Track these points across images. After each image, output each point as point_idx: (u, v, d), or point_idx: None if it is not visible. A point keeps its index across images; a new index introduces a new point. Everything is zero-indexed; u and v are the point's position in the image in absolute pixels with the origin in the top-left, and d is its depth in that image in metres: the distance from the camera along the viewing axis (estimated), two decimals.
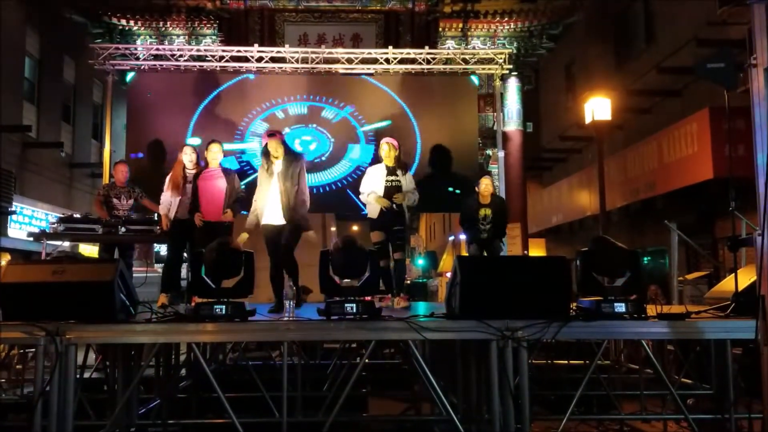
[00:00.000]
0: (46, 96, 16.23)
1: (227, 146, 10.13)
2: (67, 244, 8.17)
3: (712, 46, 10.71)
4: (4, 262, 5.86)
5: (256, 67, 12.73)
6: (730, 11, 10.91)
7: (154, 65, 12.73)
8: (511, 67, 13.31)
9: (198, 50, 12.96)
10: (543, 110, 20.56)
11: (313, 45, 13.99)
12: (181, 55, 12.68)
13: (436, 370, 5.20)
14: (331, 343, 7.61)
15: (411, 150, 12.83)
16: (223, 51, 12.71)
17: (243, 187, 7.01)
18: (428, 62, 12.83)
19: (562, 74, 19.92)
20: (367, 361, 5.07)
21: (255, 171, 10.24)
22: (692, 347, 5.53)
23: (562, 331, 4.01)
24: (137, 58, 12.70)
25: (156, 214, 7.40)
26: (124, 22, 13.73)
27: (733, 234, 4.48)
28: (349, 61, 12.79)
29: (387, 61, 12.74)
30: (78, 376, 4.40)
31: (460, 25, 14.35)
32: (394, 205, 6.62)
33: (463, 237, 17.60)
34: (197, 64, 12.82)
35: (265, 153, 6.10)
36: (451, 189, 12.50)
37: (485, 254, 7.81)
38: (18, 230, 14.03)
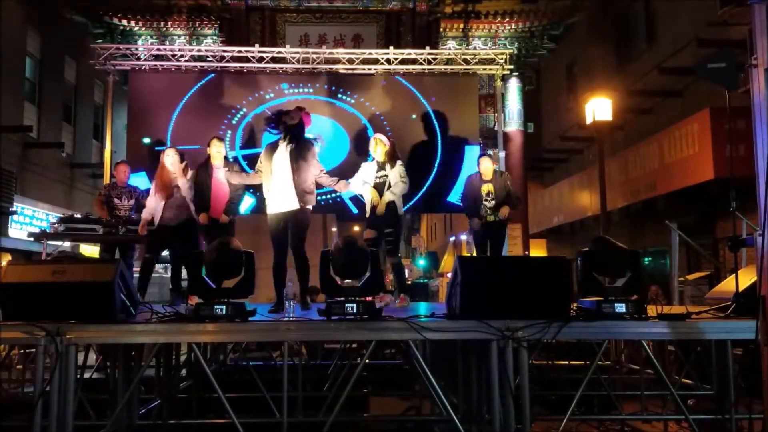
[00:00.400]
0: (46, 96, 16.24)
1: None
2: (67, 244, 8.17)
3: (713, 46, 10.69)
4: (4, 263, 5.87)
5: (257, 68, 12.74)
6: (731, 12, 10.96)
7: (155, 65, 12.74)
8: (512, 67, 13.31)
9: (199, 50, 12.97)
10: (544, 111, 20.55)
11: (314, 45, 14.00)
12: (182, 56, 12.68)
13: (437, 370, 5.20)
14: (331, 343, 7.61)
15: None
16: (224, 51, 12.71)
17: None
18: (429, 63, 12.83)
19: (563, 75, 19.91)
20: (367, 361, 5.08)
21: None
22: (693, 348, 5.53)
23: (562, 332, 4.01)
24: (138, 59, 12.70)
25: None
26: (125, 22, 13.75)
27: (734, 234, 4.48)
28: (350, 61, 12.79)
29: (388, 61, 12.74)
30: (78, 376, 4.40)
31: (461, 26, 14.36)
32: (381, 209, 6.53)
33: (464, 237, 17.63)
34: (198, 64, 12.83)
35: (279, 124, 5.89)
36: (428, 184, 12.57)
37: (488, 240, 7.63)
38: (19, 230, 14.03)
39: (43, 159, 15.75)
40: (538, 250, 17.26)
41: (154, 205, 6.92)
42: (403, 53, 12.80)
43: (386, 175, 6.63)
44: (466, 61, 12.86)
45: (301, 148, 5.84)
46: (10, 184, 13.44)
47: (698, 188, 11.15)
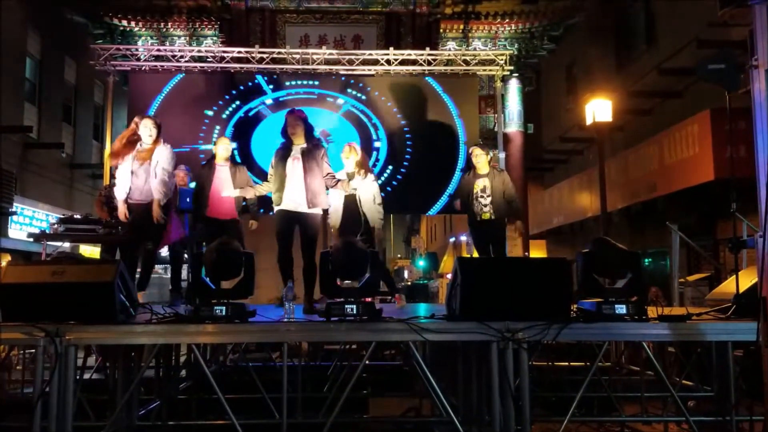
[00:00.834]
0: (47, 97, 16.23)
1: None
2: (67, 244, 8.16)
3: (713, 47, 10.67)
4: (4, 263, 5.87)
5: (257, 68, 12.75)
6: (731, 12, 10.95)
7: (155, 66, 12.74)
8: (512, 68, 13.34)
9: (199, 51, 12.98)
10: (544, 111, 20.53)
11: (314, 46, 14.00)
12: (182, 56, 12.70)
13: (437, 371, 5.20)
14: (331, 344, 7.60)
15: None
16: (224, 52, 12.73)
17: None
18: (429, 63, 12.84)
19: (563, 75, 19.90)
20: (367, 362, 5.07)
21: None
22: (693, 349, 5.52)
23: (562, 333, 4.01)
24: (138, 59, 12.72)
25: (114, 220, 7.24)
26: (125, 23, 13.75)
27: (734, 236, 4.47)
28: (350, 62, 12.80)
29: (388, 62, 12.75)
30: (78, 377, 4.39)
31: (461, 27, 14.37)
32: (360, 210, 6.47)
33: (464, 238, 17.61)
34: (198, 65, 12.84)
35: (285, 131, 5.80)
36: (450, 191, 12.60)
37: (487, 241, 7.10)
38: (18, 231, 14.02)
39: (43, 159, 15.74)
40: (538, 251, 17.25)
41: (127, 178, 6.13)
42: (403, 54, 12.82)
43: (355, 188, 6.51)
44: (466, 62, 12.88)
45: (312, 151, 5.77)
46: (10, 184, 13.43)
47: (699, 189, 11.14)
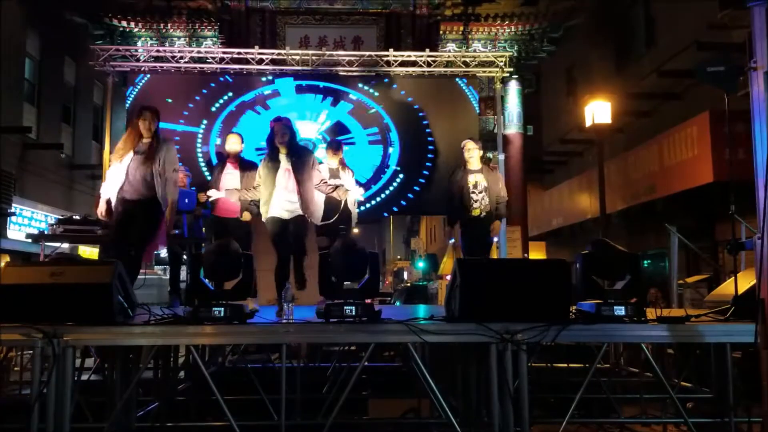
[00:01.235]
0: (46, 97, 16.22)
1: None
2: (66, 245, 8.15)
3: (713, 49, 10.68)
4: (2, 264, 5.86)
5: (257, 69, 12.75)
6: (730, 14, 10.95)
7: (155, 67, 12.75)
8: (511, 70, 13.34)
9: (198, 52, 12.98)
10: (544, 113, 20.54)
11: (314, 47, 14.01)
12: (181, 57, 12.70)
13: (436, 372, 5.19)
14: (330, 345, 7.60)
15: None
16: (224, 53, 12.73)
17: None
18: (429, 65, 12.85)
19: (562, 77, 19.91)
20: (366, 363, 5.06)
21: None
22: (692, 351, 5.52)
23: (561, 334, 4.01)
24: (138, 60, 12.72)
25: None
26: (124, 23, 13.75)
27: (733, 237, 4.47)
28: (350, 63, 12.80)
29: (388, 63, 12.76)
30: (76, 378, 4.39)
31: (461, 28, 14.37)
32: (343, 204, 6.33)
33: None
34: (198, 65, 12.85)
35: (271, 140, 5.80)
36: None
37: (475, 240, 6.73)
38: (17, 232, 14.02)
39: (42, 160, 15.73)
40: (537, 252, 17.22)
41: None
42: (402, 55, 12.82)
43: (340, 183, 6.44)
44: (466, 64, 12.89)
45: (301, 161, 5.77)
46: (8, 185, 13.42)
47: (698, 191, 11.14)
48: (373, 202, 13.23)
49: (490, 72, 13.03)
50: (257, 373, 6.00)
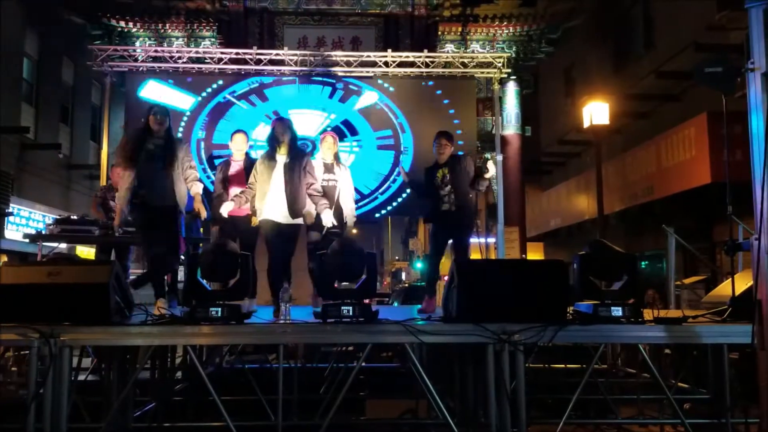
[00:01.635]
0: (44, 97, 16.20)
1: None
2: (63, 245, 8.15)
3: (711, 50, 10.70)
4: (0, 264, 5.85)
5: (255, 70, 12.75)
6: (728, 16, 10.95)
7: (153, 67, 12.74)
8: (509, 71, 13.35)
9: (197, 52, 12.97)
10: (542, 114, 20.57)
11: (312, 48, 14.00)
12: (179, 57, 12.70)
13: (434, 373, 5.20)
14: (328, 346, 7.59)
15: None
16: (222, 53, 12.73)
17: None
18: (427, 66, 12.85)
19: (561, 78, 19.93)
20: (364, 364, 5.07)
21: None
22: (689, 352, 5.52)
23: (558, 335, 4.01)
24: (136, 60, 12.71)
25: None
26: (123, 23, 13.74)
27: (730, 238, 4.47)
28: (348, 64, 12.81)
29: (386, 64, 12.76)
30: (72, 378, 4.38)
31: (460, 29, 14.38)
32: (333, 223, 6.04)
33: None
34: (196, 66, 12.84)
35: (272, 139, 5.76)
36: None
37: (449, 240, 6.23)
38: (15, 232, 13.99)
39: (40, 160, 15.71)
40: (535, 253, 17.25)
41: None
42: (401, 56, 12.83)
43: (335, 179, 6.35)
44: (464, 65, 12.90)
45: (296, 162, 5.76)
46: (6, 185, 13.40)
47: (695, 192, 11.17)
48: (370, 206, 12.98)
49: (488, 73, 13.04)
50: (254, 373, 6.00)
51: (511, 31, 14.31)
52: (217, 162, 9.77)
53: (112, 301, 4.03)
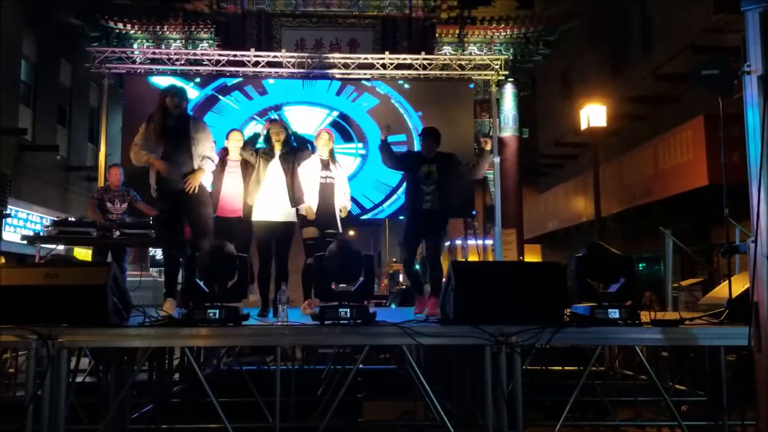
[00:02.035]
0: (42, 99, 16.19)
1: None
2: (61, 247, 8.13)
3: (708, 53, 10.74)
4: None
5: (252, 72, 12.74)
6: (725, 18, 10.98)
7: (151, 69, 12.73)
8: (507, 73, 13.35)
9: (194, 54, 12.97)
10: (539, 116, 20.61)
11: (310, 50, 14.00)
12: (177, 59, 12.69)
13: (431, 375, 5.20)
14: (325, 347, 7.59)
15: None
16: (220, 55, 12.72)
17: None
18: (425, 68, 12.86)
19: (558, 80, 19.97)
20: (361, 366, 5.07)
21: None
22: (686, 354, 5.53)
23: (555, 337, 4.02)
24: (133, 62, 12.70)
25: (150, 218, 7.20)
26: (120, 25, 13.73)
27: (727, 241, 4.48)
28: (346, 66, 12.81)
29: (383, 66, 12.76)
30: (70, 380, 4.38)
31: (457, 31, 14.39)
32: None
33: (458, 242, 17.61)
34: (193, 68, 12.84)
35: (267, 139, 5.91)
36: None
37: (422, 240, 6.09)
38: (12, 233, 13.97)
39: (37, 162, 15.69)
40: (532, 255, 17.28)
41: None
42: (398, 58, 12.83)
43: (332, 177, 6.29)
44: (462, 67, 12.90)
45: (293, 157, 5.89)
46: (4, 186, 13.37)
47: (693, 194, 11.19)
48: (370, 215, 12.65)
49: (485, 75, 13.04)
50: (252, 375, 6.00)
51: (508, 33, 14.32)
52: None
53: (110, 303, 4.03)
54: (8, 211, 13.77)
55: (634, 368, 6.06)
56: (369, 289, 4.55)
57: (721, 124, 4.59)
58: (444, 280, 4.92)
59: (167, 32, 13.97)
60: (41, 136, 15.98)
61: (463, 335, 4.05)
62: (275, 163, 5.90)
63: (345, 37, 14.58)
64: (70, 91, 18.01)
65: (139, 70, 12.71)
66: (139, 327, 4.12)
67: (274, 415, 4.23)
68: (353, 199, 7.39)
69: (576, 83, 18.65)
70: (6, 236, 13.82)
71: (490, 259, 13.08)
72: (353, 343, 5.06)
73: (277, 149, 5.89)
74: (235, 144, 6.45)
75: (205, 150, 5.44)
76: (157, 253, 12.94)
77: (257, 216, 5.93)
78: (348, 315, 4.20)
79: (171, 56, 12.73)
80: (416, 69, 12.82)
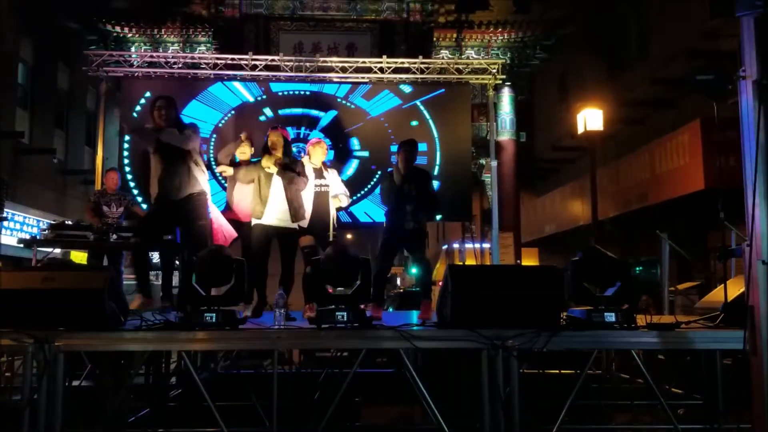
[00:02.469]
0: (39, 103, 16.17)
1: None
2: (58, 250, 8.11)
3: (705, 57, 10.77)
4: None
5: (250, 75, 12.75)
6: (721, 23, 11.02)
7: (148, 72, 12.74)
8: (504, 77, 13.39)
9: (192, 58, 12.98)
10: (536, 120, 20.62)
11: (308, 54, 14.02)
12: (175, 63, 12.69)
13: (428, 378, 5.19)
14: (322, 351, 7.58)
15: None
16: (217, 59, 12.73)
17: None
18: (422, 72, 12.88)
19: (555, 85, 20.00)
20: (359, 369, 5.07)
21: None
22: (683, 357, 5.54)
23: (552, 341, 4.02)
24: (131, 65, 12.70)
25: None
26: (118, 29, 13.75)
27: (723, 244, 4.50)
28: (344, 69, 12.82)
29: (381, 70, 12.78)
30: (67, 383, 4.37)
31: (455, 35, 14.43)
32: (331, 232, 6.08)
33: (456, 246, 17.62)
34: (191, 71, 12.84)
35: (265, 149, 5.96)
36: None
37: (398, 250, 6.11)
38: (9, 237, 13.95)
39: (34, 165, 15.67)
40: (530, 259, 17.27)
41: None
42: (396, 62, 12.85)
43: (326, 184, 6.31)
44: (459, 71, 12.93)
45: (290, 167, 5.93)
46: (1, 190, 13.35)
47: (689, 198, 11.21)
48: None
49: (483, 79, 13.07)
50: (249, 378, 5.99)
51: (505, 37, 14.37)
52: None
53: (107, 307, 4.03)
54: (5, 215, 13.74)
55: (631, 372, 6.06)
56: (366, 292, 4.56)
57: (717, 128, 4.61)
58: (441, 283, 4.92)
59: (165, 35, 13.98)
60: (38, 140, 15.96)
61: (460, 339, 4.06)
62: (276, 178, 5.92)
63: (343, 41, 14.61)
64: (67, 94, 18.00)
65: (136, 74, 12.71)
66: (136, 331, 4.12)
67: (271, 419, 4.23)
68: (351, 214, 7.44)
69: (573, 87, 18.68)
70: (3, 240, 13.79)
71: (488, 262, 13.09)
72: (350, 346, 5.06)
73: (278, 159, 5.90)
74: (242, 148, 6.57)
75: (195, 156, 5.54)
76: (154, 257, 12.91)
77: (256, 219, 5.96)
78: (345, 319, 4.20)
79: (168, 59, 12.73)
80: (414, 73, 12.84)
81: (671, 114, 13.14)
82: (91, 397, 5.24)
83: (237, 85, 12.85)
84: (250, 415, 5.05)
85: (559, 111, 19.37)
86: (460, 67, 13.01)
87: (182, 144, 5.41)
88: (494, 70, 12.83)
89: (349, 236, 26.96)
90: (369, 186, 12.55)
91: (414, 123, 12.93)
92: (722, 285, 4.89)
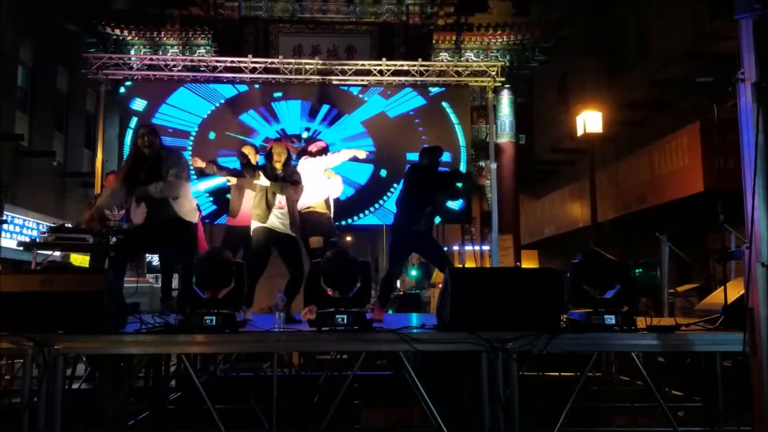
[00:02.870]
0: (39, 105, 16.18)
1: None
2: (57, 253, 8.12)
3: (704, 59, 10.78)
4: None
5: (250, 78, 12.76)
6: (720, 25, 11.03)
7: (148, 75, 12.75)
8: (503, 79, 13.41)
9: (191, 60, 12.99)
10: (536, 122, 20.63)
11: (307, 56, 14.03)
12: (174, 65, 12.71)
13: (428, 381, 5.19)
14: (322, 354, 7.58)
15: None
16: (217, 61, 12.75)
17: None
18: (421, 74, 12.89)
19: (554, 87, 20.01)
20: (359, 372, 5.06)
21: None
22: (683, 359, 5.54)
23: (551, 343, 4.02)
24: (131, 68, 12.72)
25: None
26: (118, 31, 13.77)
27: (722, 247, 4.50)
28: (343, 72, 12.84)
29: (380, 72, 12.79)
30: (66, 386, 4.37)
31: (454, 38, 14.46)
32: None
33: (456, 248, 17.61)
34: (191, 74, 12.85)
35: (268, 158, 5.99)
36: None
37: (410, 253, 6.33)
38: (9, 239, 13.94)
39: (34, 168, 15.67)
40: (529, 261, 17.27)
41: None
42: (395, 65, 12.87)
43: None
44: (458, 73, 12.94)
45: (291, 177, 5.98)
46: (0, 192, 13.36)
47: (689, 200, 11.21)
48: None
49: (482, 81, 13.08)
50: (249, 381, 5.98)
51: (505, 39, 14.39)
52: None
53: (107, 310, 4.02)
54: (5, 218, 13.73)
55: (631, 374, 6.06)
56: (366, 295, 4.55)
57: (716, 130, 4.61)
58: (440, 286, 4.92)
59: (164, 38, 14.01)
60: (38, 142, 15.97)
61: (459, 341, 4.06)
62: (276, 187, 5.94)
63: (342, 43, 14.63)
64: (67, 96, 18.01)
65: (136, 76, 12.72)
66: (136, 334, 4.11)
67: (270, 421, 4.23)
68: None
69: (572, 89, 18.69)
70: (2, 243, 13.79)
71: (487, 264, 13.09)
72: (350, 349, 5.06)
73: (277, 170, 5.94)
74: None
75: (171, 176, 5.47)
76: (154, 259, 12.93)
77: (257, 221, 5.96)
78: (345, 321, 4.20)
79: (168, 62, 12.75)
80: (413, 75, 12.86)
81: (670, 116, 13.15)
82: (91, 399, 5.23)
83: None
84: (249, 418, 5.04)
85: (559, 113, 19.38)
86: (460, 69, 13.02)
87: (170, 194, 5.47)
88: (493, 73, 12.85)
89: (348, 238, 26.99)
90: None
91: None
92: (722, 287, 4.88)
